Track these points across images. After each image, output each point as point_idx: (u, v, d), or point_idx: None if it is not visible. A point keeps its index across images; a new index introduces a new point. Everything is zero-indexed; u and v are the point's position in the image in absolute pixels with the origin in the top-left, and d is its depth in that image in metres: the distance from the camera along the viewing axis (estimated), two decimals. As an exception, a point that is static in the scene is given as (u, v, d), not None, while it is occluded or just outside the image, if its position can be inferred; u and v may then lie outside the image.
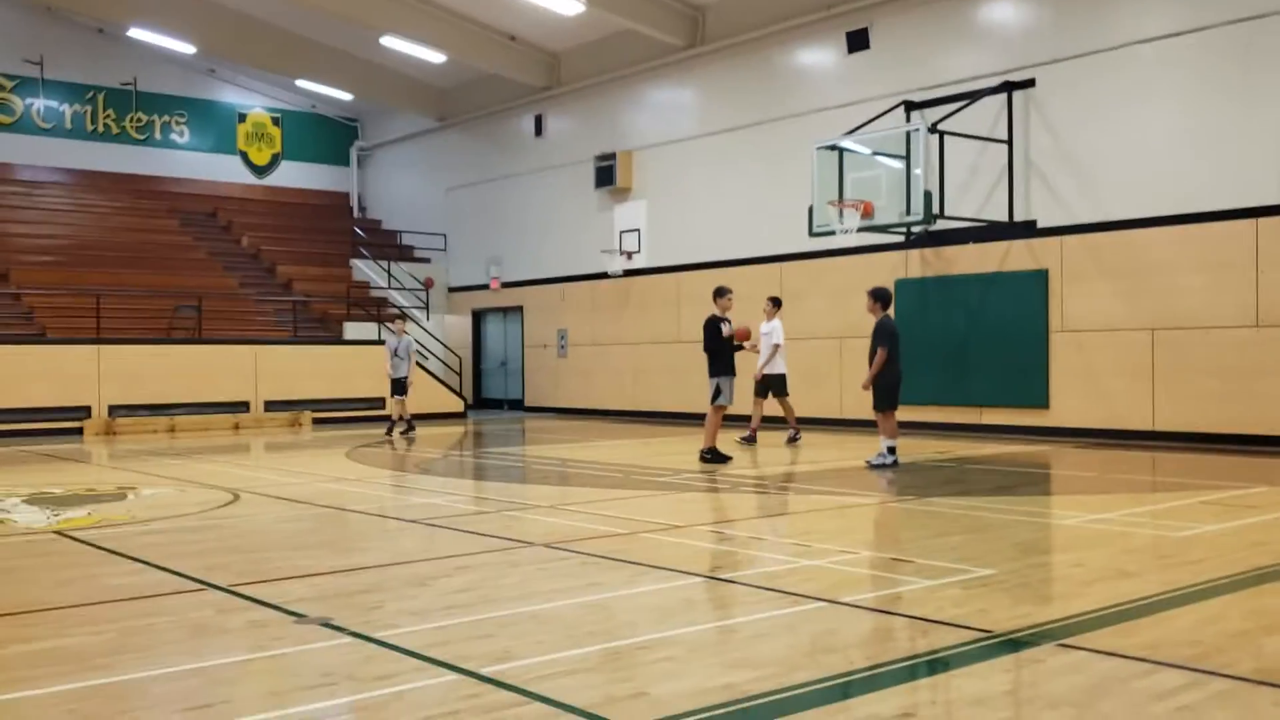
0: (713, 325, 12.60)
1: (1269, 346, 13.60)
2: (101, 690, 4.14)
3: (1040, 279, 15.73)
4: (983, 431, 16.17)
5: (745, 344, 12.95)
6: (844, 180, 16.03)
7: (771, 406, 15.13)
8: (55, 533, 8.07)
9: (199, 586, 6.03)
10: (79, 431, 18.67)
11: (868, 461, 11.84)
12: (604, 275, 22.54)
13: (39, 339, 19.62)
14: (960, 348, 16.56)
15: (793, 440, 14.90)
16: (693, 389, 20.21)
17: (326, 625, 5.01)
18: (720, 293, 12.89)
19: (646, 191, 21.96)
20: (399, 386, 17.85)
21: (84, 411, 18.94)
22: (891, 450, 11.72)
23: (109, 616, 5.42)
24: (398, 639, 4.70)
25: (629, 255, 22.05)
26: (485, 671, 4.16)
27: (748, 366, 14.71)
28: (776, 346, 14.76)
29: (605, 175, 22.28)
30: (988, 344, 16.26)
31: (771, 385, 14.93)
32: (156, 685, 4.24)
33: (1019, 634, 4.69)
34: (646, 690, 3.95)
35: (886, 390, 11.80)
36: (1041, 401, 15.71)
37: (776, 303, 15.19)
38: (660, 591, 5.84)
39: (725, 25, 20.07)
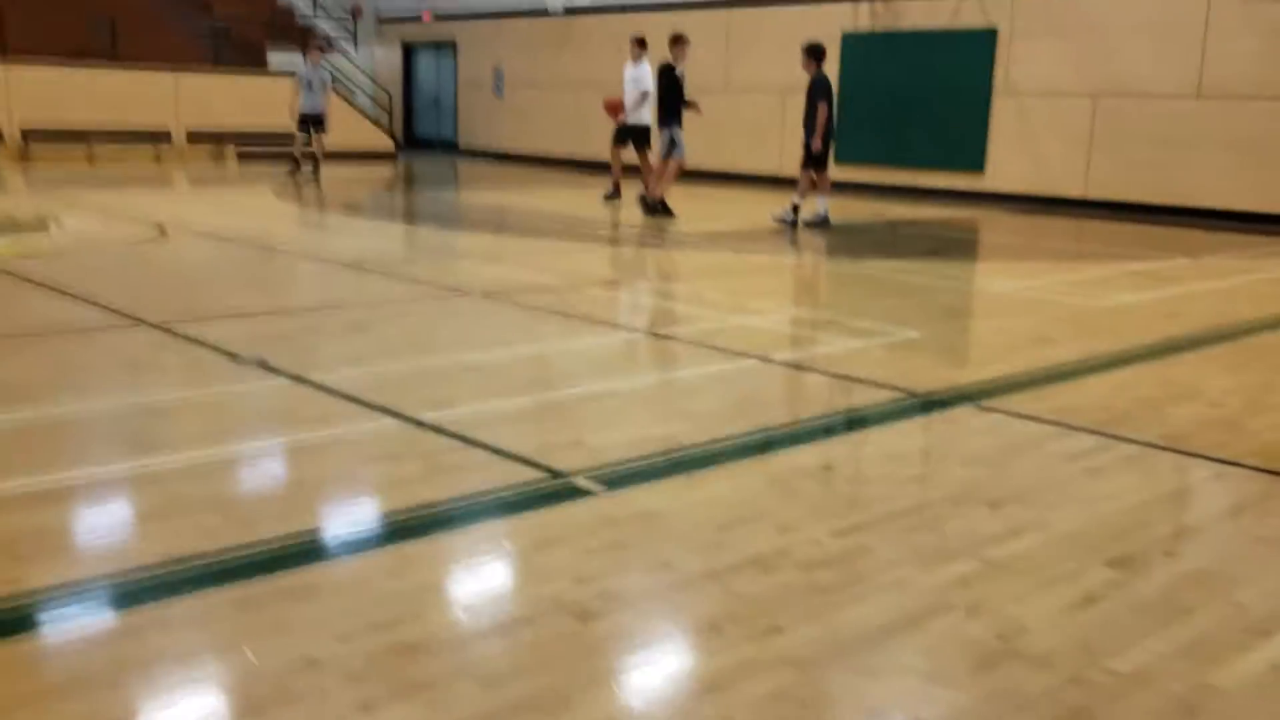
0: (668, 73, 12.20)
1: (1209, 118, 13.65)
2: (43, 424, 4.15)
3: (988, 38, 15.42)
4: (919, 195, 16.25)
5: (615, 118, 12.69)
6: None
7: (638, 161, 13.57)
8: (-25, 262, 7.87)
9: (131, 322, 5.98)
10: (-10, 157, 17.91)
11: (773, 216, 11.82)
12: (544, 12, 21.57)
13: (-61, 55, 18.44)
14: (902, 107, 16.37)
15: (632, 201, 13.00)
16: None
17: (262, 365, 5.03)
18: (677, 40, 12.38)
19: (591, -77, 20.75)
20: (316, 122, 16.58)
21: (-7, 135, 18.10)
22: (795, 210, 11.62)
23: (42, 349, 5.37)
24: (336, 383, 4.74)
25: (571, -8, 21.06)
26: (425, 417, 4.25)
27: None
28: (644, 94, 13.06)
29: (548, -97, 20.94)
30: (930, 104, 16.08)
31: (633, 136, 13.40)
32: (98, 421, 4.26)
33: (938, 394, 4.88)
34: (583, 439, 4.07)
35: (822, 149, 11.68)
36: (978, 165, 15.75)
37: (642, 43, 13.28)
38: (598, 345, 5.94)
39: None
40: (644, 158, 13.35)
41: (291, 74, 18.00)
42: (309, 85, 16.52)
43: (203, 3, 23.69)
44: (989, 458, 4.01)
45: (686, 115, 12.40)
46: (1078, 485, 3.73)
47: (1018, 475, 3.84)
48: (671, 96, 12.20)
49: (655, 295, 7.66)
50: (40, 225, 10.14)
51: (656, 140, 12.55)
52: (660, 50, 12.59)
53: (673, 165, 12.23)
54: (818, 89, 11.44)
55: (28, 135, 18.33)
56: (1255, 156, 13.32)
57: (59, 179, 15.14)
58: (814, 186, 11.72)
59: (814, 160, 11.55)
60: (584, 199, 14.77)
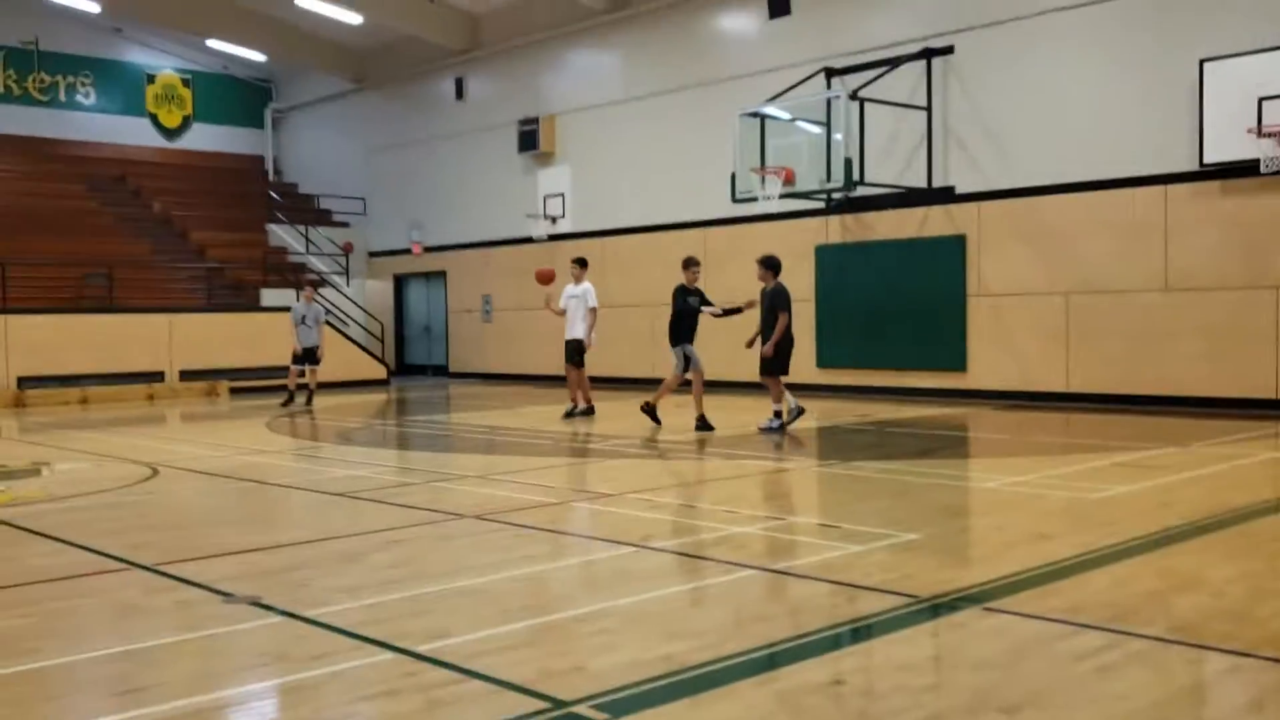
0: (681, 294, 12.49)
1: (1177, 310, 14.05)
2: (29, 675, 4.05)
3: (958, 244, 16.02)
4: (902, 394, 16.48)
5: (550, 307, 13.70)
6: (766, 147, 16.11)
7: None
8: (-34, 512, 7.83)
9: (123, 566, 5.92)
10: (-15, 404, 18.08)
11: (760, 427, 12.01)
12: (528, 240, 22.40)
13: (-61, 309, 18.90)
14: (880, 312, 16.83)
15: (572, 414, 14.18)
16: (620, 354, 20.27)
17: (256, 604, 4.96)
18: (689, 264, 12.74)
19: (570, 156, 21.82)
20: (310, 356, 17.28)
21: (-11, 384, 18.35)
22: (778, 415, 11.93)
23: (32, 598, 5.29)
24: (330, 617, 4.67)
25: (553, 220, 21.92)
26: (421, 649, 4.16)
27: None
28: (592, 310, 14.39)
29: (528, 140, 22.08)
30: (907, 308, 16.54)
31: (567, 350, 14.48)
32: (86, 669, 4.16)
33: (944, 598, 4.82)
34: (584, 664, 3.99)
35: (782, 357, 11.93)
36: (959, 364, 16.06)
37: (583, 264, 14.55)
38: (593, 562, 5.89)
39: (648, -12, 19.95)
40: (575, 373, 14.47)
41: (286, 309, 18.55)
42: (303, 321, 17.12)
43: (197, 248, 24.57)
44: (999, 661, 3.93)
45: (719, 319, 12.93)
46: (1091, 686, 3.65)
47: (1030, 678, 3.76)
48: (685, 318, 12.50)
49: (647, 507, 7.64)
50: (32, 471, 10.16)
51: (671, 356, 12.75)
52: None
53: (695, 379, 12.46)
54: (777, 299, 11.88)
55: (23, 382, 18.60)
56: (1225, 344, 13.64)
57: (52, 424, 15.26)
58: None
59: (776, 366, 11.86)
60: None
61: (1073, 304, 14.97)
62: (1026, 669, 3.85)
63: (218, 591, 5.23)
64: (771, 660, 4.04)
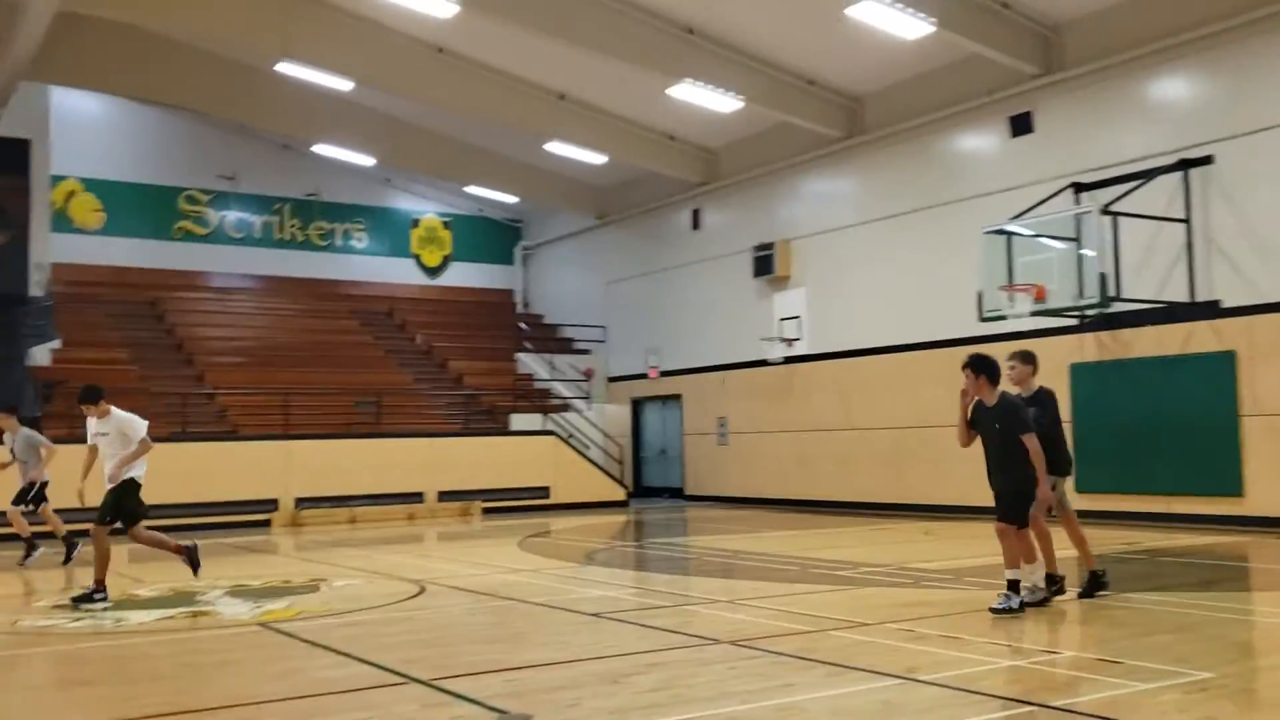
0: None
1: None
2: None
3: (1227, 360, 15.01)
4: (1169, 521, 15.36)
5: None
6: (1013, 264, 15.75)
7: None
8: (259, 624, 8.47)
9: (400, 680, 6.23)
10: (267, 523, 19.58)
11: (991, 608, 8.13)
12: (764, 363, 22.57)
13: (231, 436, 20.78)
14: (1142, 433, 15.86)
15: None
16: (860, 477, 19.93)
17: (530, 722, 5.10)
18: (1028, 358, 9.00)
19: (806, 279, 22.00)
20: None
21: (272, 504, 19.89)
22: (1013, 586, 8.13)
23: (325, 709, 5.65)
24: (603, 737, 4.75)
25: (789, 343, 22.04)
26: (696, 773, 4.17)
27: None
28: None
29: (764, 265, 22.45)
30: (1172, 429, 15.53)
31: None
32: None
33: (1253, 746, 4.43)
34: (863, 797, 3.88)
35: (1027, 494, 8.18)
36: (1234, 489, 14.87)
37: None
38: (857, 694, 5.74)
39: (884, 115, 20.15)
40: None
41: (534, 433, 19.25)
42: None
43: (455, 376, 26.13)
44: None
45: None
46: None
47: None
48: (1053, 439, 8.69)
49: (908, 637, 7.39)
50: (311, 587, 10.89)
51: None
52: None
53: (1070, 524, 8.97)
54: (1020, 412, 8.31)
55: (300, 502, 20.08)
56: None
57: (326, 541, 16.35)
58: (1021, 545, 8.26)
59: (1024, 507, 8.21)
60: (815, 540, 14.71)
61: (1367, 423, 13.67)
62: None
63: (492, 708, 5.43)
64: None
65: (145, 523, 10.22)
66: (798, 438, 21.83)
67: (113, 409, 10.14)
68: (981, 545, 13.03)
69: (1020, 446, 8.09)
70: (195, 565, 10.41)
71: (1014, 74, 17.63)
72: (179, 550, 10.38)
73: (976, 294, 16.15)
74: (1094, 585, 8.69)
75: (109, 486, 9.98)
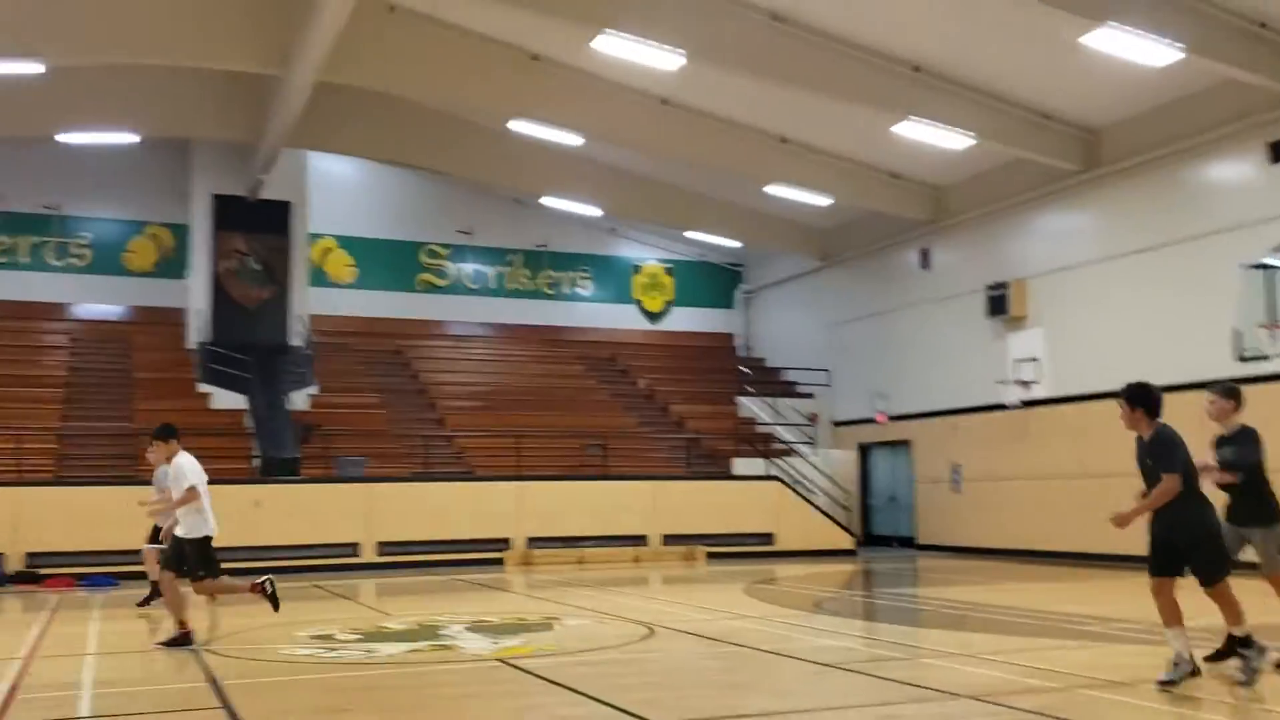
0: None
1: None
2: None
3: None
4: None
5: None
6: (1277, 300, 14.61)
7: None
8: (498, 660, 8.77)
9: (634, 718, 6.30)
10: (500, 561, 20.28)
11: (1159, 680, 7.12)
12: (999, 407, 21.70)
13: (468, 476, 21.71)
14: None
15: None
16: (1104, 526, 18.76)
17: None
18: (1231, 392, 8.26)
19: (1043, 319, 21.07)
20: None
21: (504, 543, 20.62)
22: (1244, 644, 7.31)
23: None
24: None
25: (1026, 385, 21.12)
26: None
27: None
28: None
29: (997, 304, 21.67)
30: None
31: None
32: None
33: None
34: None
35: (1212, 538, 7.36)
36: None
37: None
38: (1114, 757, 5.39)
39: (1123, 146, 19.15)
40: None
41: (756, 478, 19.06)
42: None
43: (677, 420, 26.41)
44: None
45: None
46: None
47: None
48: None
49: (1168, 699, 6.88)
50: (545, 625, 11.19)
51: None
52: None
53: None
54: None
55: (531, 542, 20.72)
56: None
57: (556, 581, 16.79)
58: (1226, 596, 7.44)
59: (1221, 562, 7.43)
60: (1056, 593, 13.97)
61: None
62: None
63: (727, 753, 5.40)
64: None
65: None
66: (1035, 485, 20.84)
67: (181, 452, 9.85)
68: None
69: (1186, 485, 7.32)
70: (275, 603, 10.15)
71: (1272, 96, 16.42)
72: (254, 589, 10.03)
73: (1232, 332, 15.05)
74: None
75: (174, 533, 9.93)
